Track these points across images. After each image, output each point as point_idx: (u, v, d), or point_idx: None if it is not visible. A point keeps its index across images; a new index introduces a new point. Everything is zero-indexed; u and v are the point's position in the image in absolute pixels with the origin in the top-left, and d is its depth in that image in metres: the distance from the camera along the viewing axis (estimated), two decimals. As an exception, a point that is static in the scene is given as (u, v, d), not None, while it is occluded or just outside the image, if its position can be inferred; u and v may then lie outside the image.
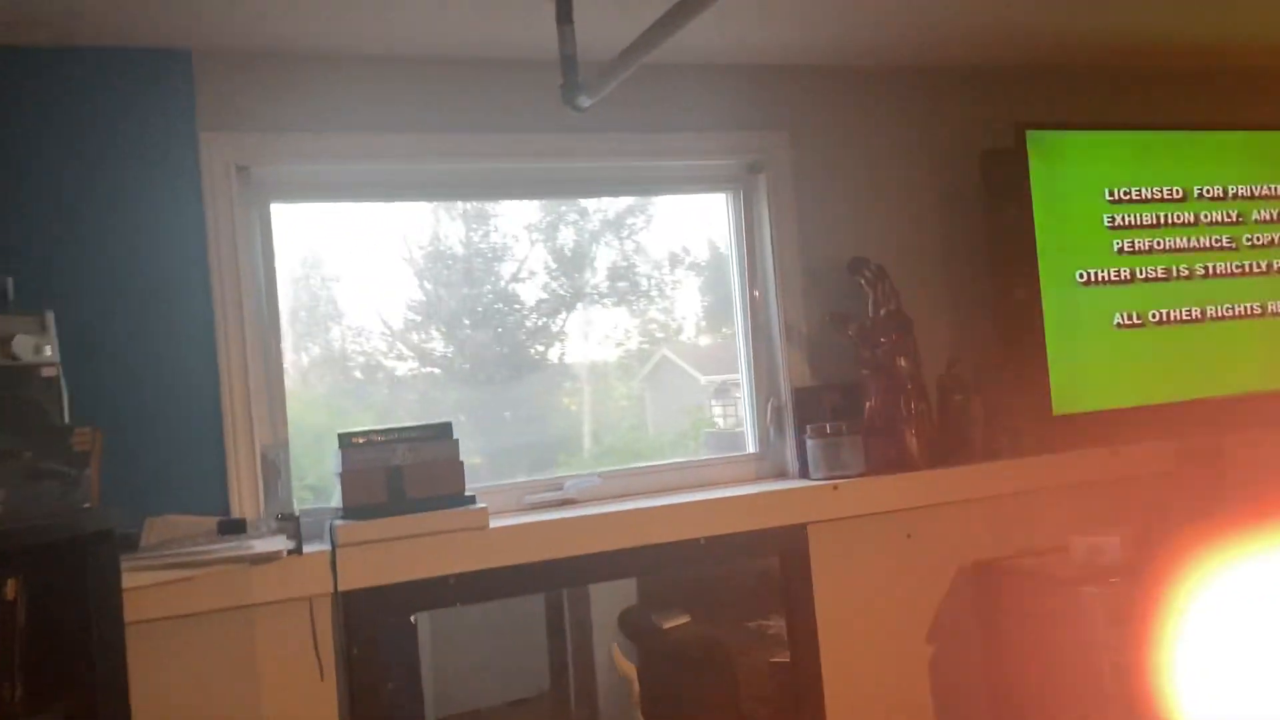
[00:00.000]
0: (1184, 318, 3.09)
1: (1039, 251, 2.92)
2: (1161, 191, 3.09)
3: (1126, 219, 3.04)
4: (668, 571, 2.67)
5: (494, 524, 2.41)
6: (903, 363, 2.78)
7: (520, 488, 2.67)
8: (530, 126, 2.63)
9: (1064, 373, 2.94)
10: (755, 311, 2.93)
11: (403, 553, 2.29)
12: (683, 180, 2.92)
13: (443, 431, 2.40)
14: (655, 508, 2.54)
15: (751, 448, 2.94)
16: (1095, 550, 2.58)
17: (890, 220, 2.98)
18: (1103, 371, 3.00)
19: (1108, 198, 3.03)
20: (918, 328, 2.90)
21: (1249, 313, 3.18)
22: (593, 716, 2.82)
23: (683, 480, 2.82)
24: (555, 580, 2.50)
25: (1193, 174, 3.14)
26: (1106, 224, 3.02)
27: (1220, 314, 3.14)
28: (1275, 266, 3.22)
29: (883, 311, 2.80)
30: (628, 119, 2.72)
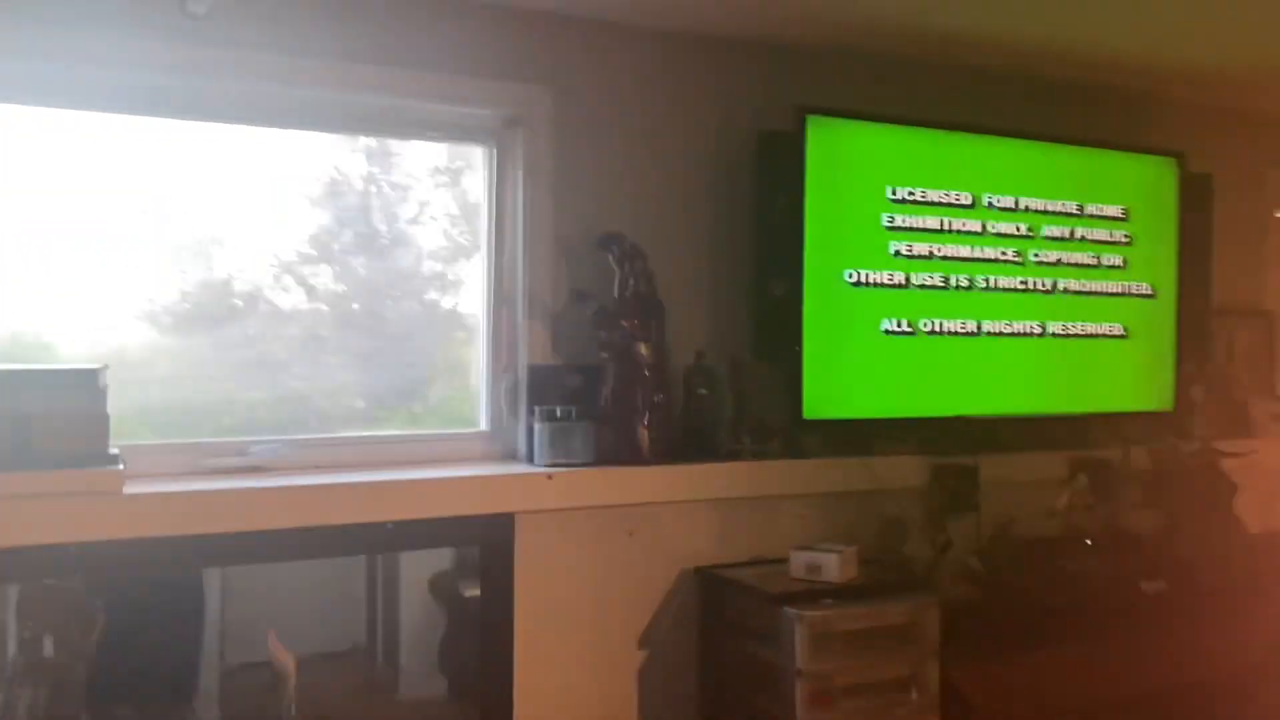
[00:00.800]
0: (958, 330, 2.97)
1: (806, 245, 2.75)
2: (949, 195, 2.95)
3: (907, 221, 2.89)
4: (347, 557, 2.44)
5: (149, 488, 2.15)
6: (643, 350, 2.58)
7: (202, 449, 2.40)
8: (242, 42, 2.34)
9: (821, 375, 2.78)
10: (501, 278, 2.70)
11: (23, 513, 2.01)
12: (431, 126, 2.65)
13: (85, 379, 2.11)
14: (337, 485, 2.30)
15: (484, 425, 2.73)
16: (813, 567, 2.45)
17: (657, 196, 2.77)
18: (864, 378, 2.86)
19: (890, 196, 2.87)
20: (675, 314, 2.71)
21: (1027, 331, 3.07)
22: (393, 673, 2.67)
23: (398, 455, 2.58)
24: (204, 558, 2.25)
25: (984, 181, 3.01)
26: (885, 223, 2.86)
27: (997, 330, 3.03)
28: (1060, 286, 3.12)
29: (629, 293, 2.60)
30: (364, 48, 2.45)
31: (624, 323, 2.58)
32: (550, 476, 2.47)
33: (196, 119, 2.43)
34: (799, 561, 2.46)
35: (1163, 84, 3.41)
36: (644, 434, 2.58)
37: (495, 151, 2.69)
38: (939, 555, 2.61)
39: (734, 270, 2.83)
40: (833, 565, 2.41)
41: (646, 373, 2.59)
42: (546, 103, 2.65)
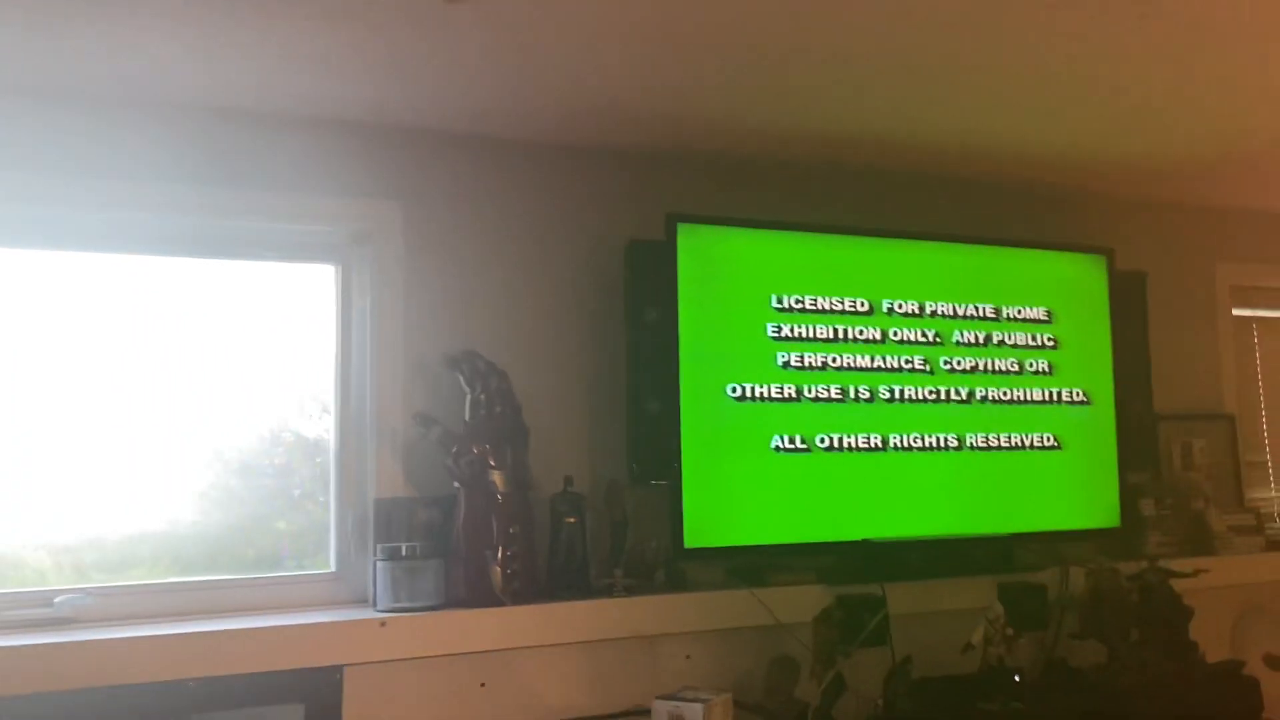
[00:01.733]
0: (861, 445, 2.73)
1: (682, 358, 2.56)
2: (842, 303, 2.76)
3: (796, 330, 2.69)
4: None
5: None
6: (497, 478, 2.37)
7: (3, 601, 2.20)
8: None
9: (705, 499, 2.55)
10: (348, 404, 2.53)
11: None
12: (273, 246, 2.52)
13: None
14: (137, 638, 2.06)
15: (332, 566, 2.51)
16: (675, 718, 2.17)
17: (523, 312, 2.61)
18: (755, 500, 2.62)
19: (775, 304, 2.69)
20: (545, 438, 2.52)
21: (942, 445, 2.83)
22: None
23: (233, 602, 2.36)
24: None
25: (884, 286, 2.82)
26: (770, 334, 2.67)
27: (907, 444, 2.79)
28: (979, 395, 2.89)
29: (481, 416, 2.40)
30: (197, 169, 2.34)
31: (475, 449, 2.38)
32: (383, 623, 2.23)
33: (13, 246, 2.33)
34: (661, 712, 2.19)
35: (1089, 179, 3.23)
36: (497, 571, 2.34)
37: (341, 270, 2.55)
38: (828, 698, 2.31)
39: (608, 389, 2.64)
40: (696, 717, 2.13)
41: (501, 503, 2.37)
42: (396, 218, 2.52)
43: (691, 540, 2.52)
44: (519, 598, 2.35)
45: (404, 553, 2.34)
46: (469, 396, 2.41)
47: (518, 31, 2.07)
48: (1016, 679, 2.54)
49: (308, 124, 2.45)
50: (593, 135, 2.64)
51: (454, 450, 2.37)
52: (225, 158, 2.39)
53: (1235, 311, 3.69)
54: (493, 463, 2.37)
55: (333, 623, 2.22)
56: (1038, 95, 2.56)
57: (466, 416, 2.40)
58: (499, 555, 2.35)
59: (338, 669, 2.19)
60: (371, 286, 2.50)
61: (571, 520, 2.48)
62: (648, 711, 2.33)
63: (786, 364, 2.67)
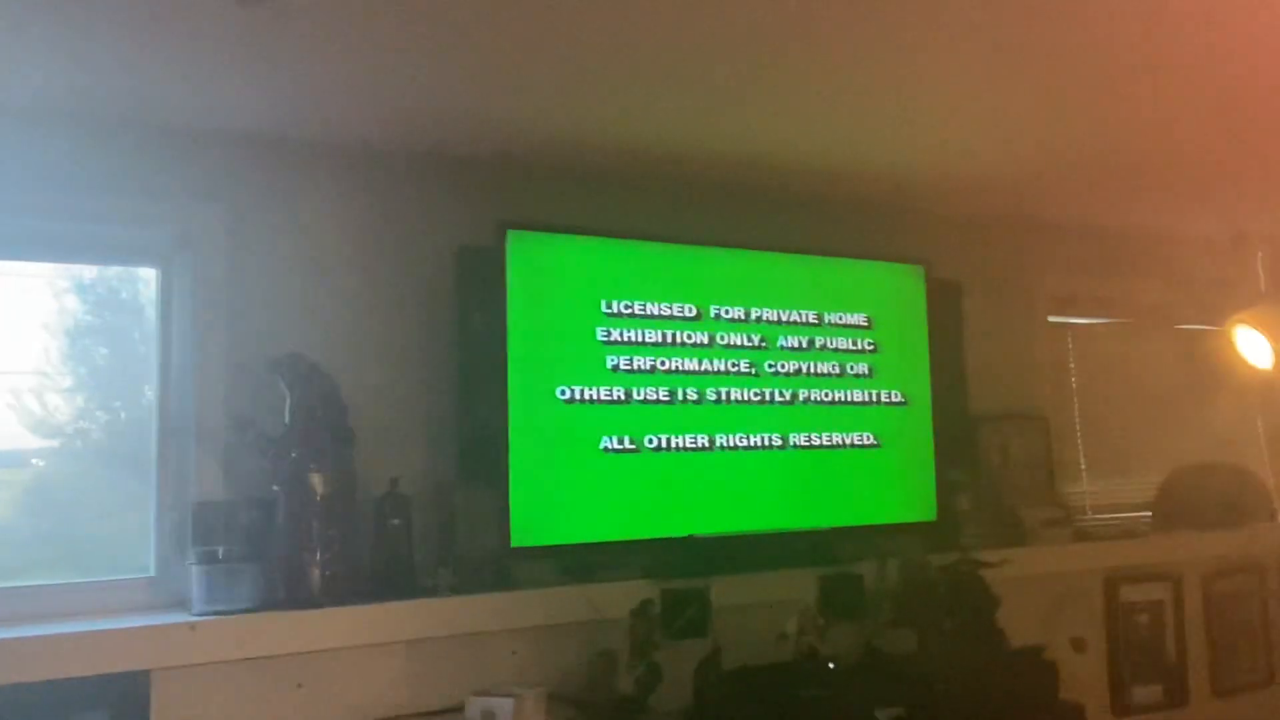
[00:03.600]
0: (688, 445, 2.84)
1: (511, 362, 2.61)
2: (670, 308, 2.86)
3: (625, 334, 2.78)
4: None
5: None
6: (316, 480, 2.38)
7: None
8: None
9: (533, 499, 2.61)
10: (169, 407, 2.50)
11: None
12: (92, 249, 2.48)
13: None
14: (-75, 648, 2.02)
15: (151, 570, 2.47)
16: (488, 714, 2.22)
17: (352, 316, 2.63)
18: (584, 500, 2.69)
19: (604, 309, 2.77)
20: (375, 440, 2.54)
21: (767, 445, 2.96)
22: None
23: (45, 608, 2.31)
24: None
25: (711, 293, 2.93)
26: (600, 338, 2.75)
27: (732, 444, 2.90)
28: (802, 397, 3.03)
29: (301, 418, 2.41)
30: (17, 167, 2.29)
31: (293, 451, 2.38)
32: (194, 627, 2.21)
33: None
34: (474, 711, 2.23)
35: (911, 194, 3.42)
36: (315, 573, 2.35)
37: (163, 274, 2.53)
38: (642, 689, 2.39)
39: (440, 391, 2.67)
40: (506, 712, 2.18)
41: (321, 505, 2.38)
42: (219, 221, 2.51)
43: (519, 539, 2.58)
44: (338, 599, 2.36)
45: (220, 555, 2.32)
46: (288, 400, 2.41)
47: (337, 35, 2.09)
48: (830, 666, 2.67)
49: (127, 126, 2.42)
50: (422, 140, 2.67)
51: (271, 453, 2.37)
52: (42, 160, 2.34)
53: (1051, 319, 3.94)
54: (312, 465, 2.38)
55: (140, 627, 2.19)
56: (856, 112, 2.70)
57: (286, 419, 2.40)
58: (317, 557, 2.36)
59: (145, 674, 2.17)
60: (193, 290, 2.48)
61: (396, 522, 2.50)
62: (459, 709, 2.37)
63: (616, 367, 2.75)
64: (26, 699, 2.06)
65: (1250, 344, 2.67)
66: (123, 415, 2.54)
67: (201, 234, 2.49)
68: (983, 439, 3.56)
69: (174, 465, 2.48)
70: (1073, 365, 4.00)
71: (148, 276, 2.56)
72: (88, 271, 2.51)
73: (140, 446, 2.52)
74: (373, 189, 2.67)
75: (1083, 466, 3.95)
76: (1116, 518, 3.92)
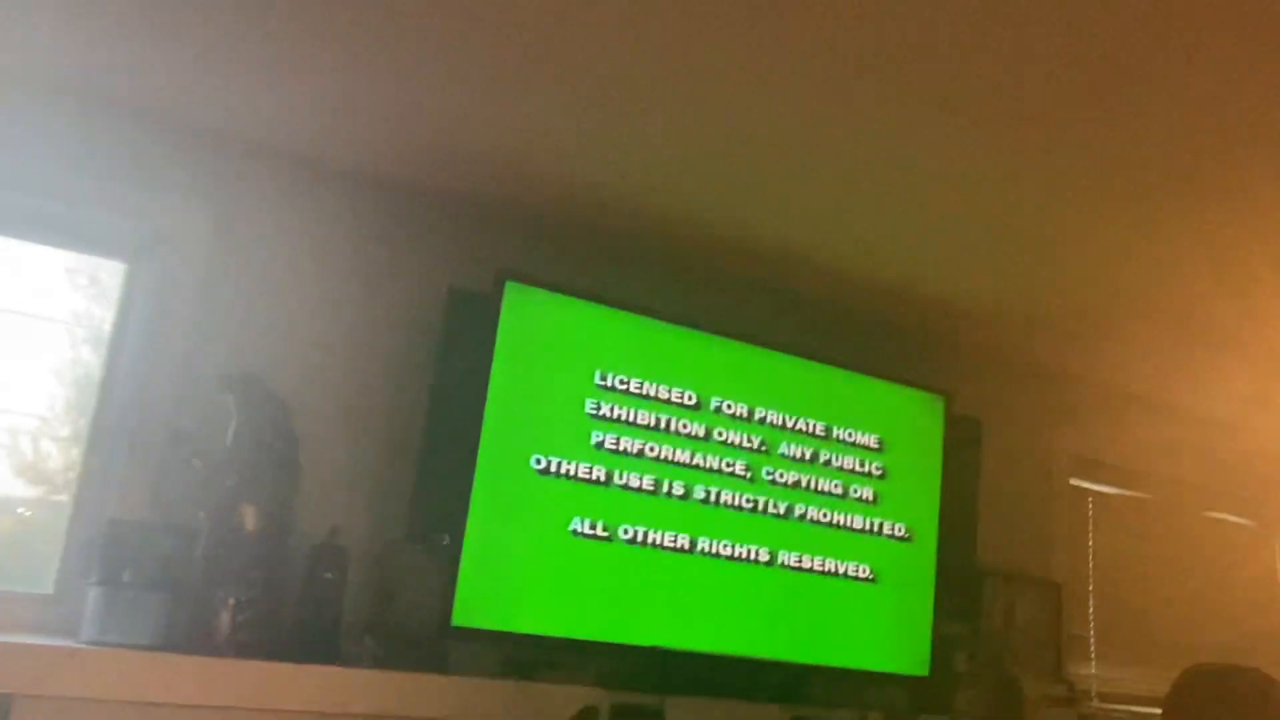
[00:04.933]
0: (666, 543, 2.57)
1: (487, 418, 2.39)
2: (669, 392, 2.64)
3: (616, 411, 2.56)
4: None
5: None
6: (248, 513, 2.13)
7: None
8: None
9: (484, 574, 2.34)
10: (106, 413, 2.28)
11: None
12: (65, 232, 2.31)
13: None
14: None
15: (50, 587, 2.21)
16: (388, 809, 1.90)
17: (322, 346, 2.43)
18: (541, 584, 2.42)
19: (598, 381, 2.56)
20: (325, 481, 2.31)
21: (753, 557, 2.68)
22: None
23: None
24: None
25: (714, 383, 2.72)
26: (589, 410, 2.53)
27: (715, 550, 2.63)
28: (796, 512, 2.77)
29: (244, 444, 2.18)
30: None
31: (229, 478, 2.14)
32: (74, 654, 1.93)
33: None
34: (374, 800, 1.92)
35: (938, 319, 3.24)
36: (226, 617, 2.07)
37: (130, 269, 2.35)
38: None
39: (403, 441, 2.45)
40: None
41: (249, 541, 2.12)
42: (201, 223, 2.35)
43: (461, 618, 2.29)
44: (246, 650, 2.07)
45: (125, 579, 2.06)
46: (234, 420, 2.19)
47: (360, 54, 1.99)
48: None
49: (117, 110, 2.28)
50: (430, 174, 2.52)
51: (204, 475, 2.13)
52: (22, 132, 2.21)
53: (1073, 481, 3.69)
54: (247, 496, 2.14)
55: (7, 644, 1.91)
56: (885, 222, 2.58)
57: (229, 441, 2.18)
58: (232, 599, 2.08)
59: (7, 698, 1.87)
60: (159, 290, 2.30)
61: (329, 575, 2.23)
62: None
63: (600, 444, 2.52)
64: None
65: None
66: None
67: (177, 232, 2.32)
68: (988, 595, 3.27)
69: (98, 475, 2.24)
70: (1091, 534, 3.73)
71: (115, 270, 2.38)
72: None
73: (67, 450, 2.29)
74: (369, 216, 2.51)
75: (1093, 646, 3.62)
76: (1126, 711, 3.57)
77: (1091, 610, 3.64)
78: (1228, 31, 1.73)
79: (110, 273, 2.37)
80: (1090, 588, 3.66)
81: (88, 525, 2.20)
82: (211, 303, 2.33)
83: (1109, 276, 2.80)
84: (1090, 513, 3.73)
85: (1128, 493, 3.84)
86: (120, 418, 2.26)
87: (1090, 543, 3.71)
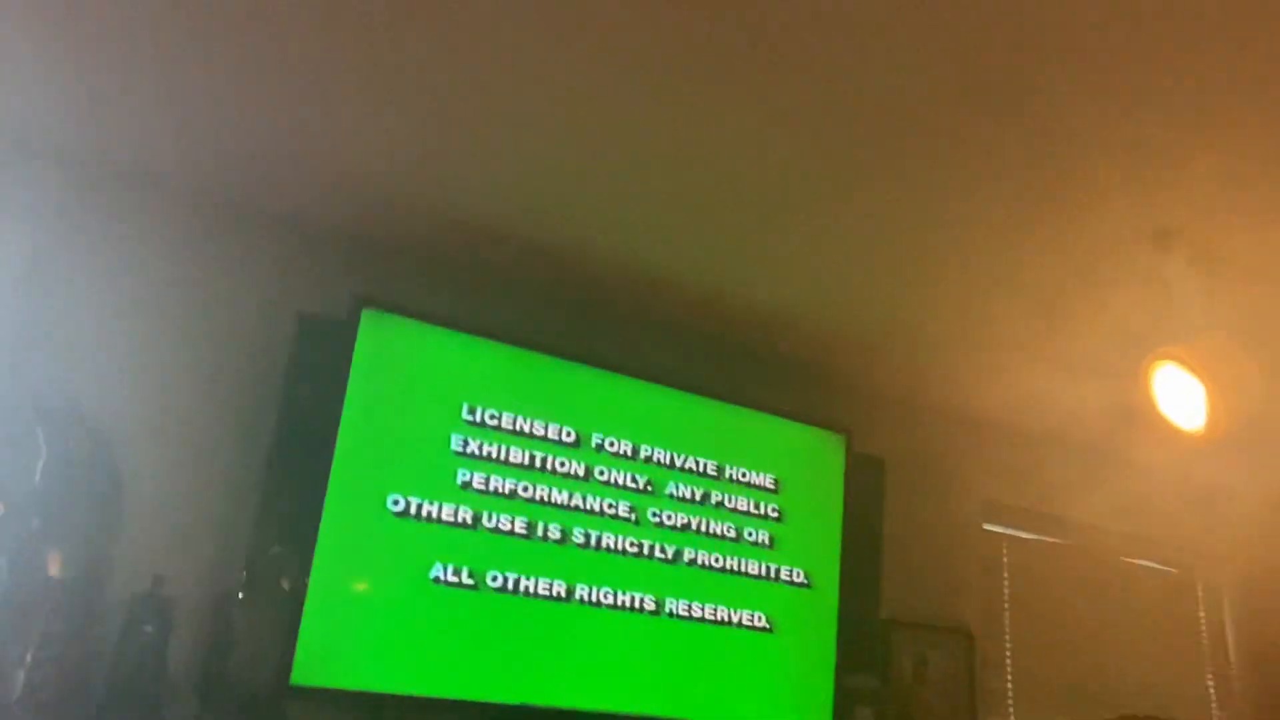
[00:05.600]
0: (541, 591, 2.37)
1: (338, 455, 2.20)
2: (545, 427, 2.47)
3: (486, 449, 2.38)
4: None
5: None
6: (52, 558, 1.91)
7: None
8: None
9: (330, 627, 2.12)
10: (-97, 450, 2.05)
11: None
12: None
13: None
14: None
15: None
16: None
17: (155, 376, 2.23)
18: (397, 638, 2.20)
19: (466, 416, 2.38)
20: (147, 528, 2.09)
21: (637, 605, 2.50)
22: None
23: None
24: None
25: (596, 419, 2.55)
26: (455, 447, 2.35)
27: (595, 598, 2.44)
28: (685, 556, 2.60)
29: (56, 481, 1.96)
30: None
31: (34, 519, 1.92)
32: None
33: None
34: None
35: (838, 356, 3.12)
36: (20, 675, 1.84)
37: (-62, 289, 2.15)
38: None
39: (244, 481, 2.24)
40: None
41: (52, 590, 1.90)
42: (17, 241, 2.15)
43: (301, 675, 2.07)
44: (45, 712, 1.83)
45: (-95, 637, 1.82)
46: (43, 457, 1.97)
47: (203, 67, 1.85)
48: None
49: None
50: (273, 197, 2.35)
51: (4, 516, 1.90)
52: None
53: (986, 526, 3.57)
54: (52, 540, 1.92)
55: None
56: (784, 253, 2.48)
57: (36, 478, 1.96)
58: (28, 656, 1.85)
59: None
60: (-30, 313, 2.10)
61: (149, 629, 2.00)
62: None
63: (467, 484, 2.34)
64: None
65: (1175, 386, 2.30)
66: None
67: (-3, 253, 2.13)
68: (896, 645, 3.11)
69: (-111, 520, 2.00)
70: (1006, 582, 3.59)
71: None
72: None
73: None
74: (212, 238, 2.33)
75: (1010, 699, 3.46)
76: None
77: (1009, 661, 3.49)
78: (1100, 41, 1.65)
79: (-82, 297, 2.15)
80: (1006, 638, 3.51)
81: (-128, 577, 1.95)
82: (33, 325, 2.12)
83: (992, 305, 2.70)
84: (1005, 558, 3.61)
85: (1043, 538, 3.72)
86: (-83, 455, 2.03)
87: (1005, 590, 3.57)
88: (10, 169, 2.15)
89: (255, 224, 2.37)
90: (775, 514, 2.76)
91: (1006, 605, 3.56)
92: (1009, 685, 3.47)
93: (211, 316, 2.28)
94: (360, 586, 2.17)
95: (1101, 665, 3.64)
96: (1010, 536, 3.64)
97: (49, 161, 2.19)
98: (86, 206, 2.21)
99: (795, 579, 2.75)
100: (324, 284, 2.34)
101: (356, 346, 2.26)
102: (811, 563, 2.79)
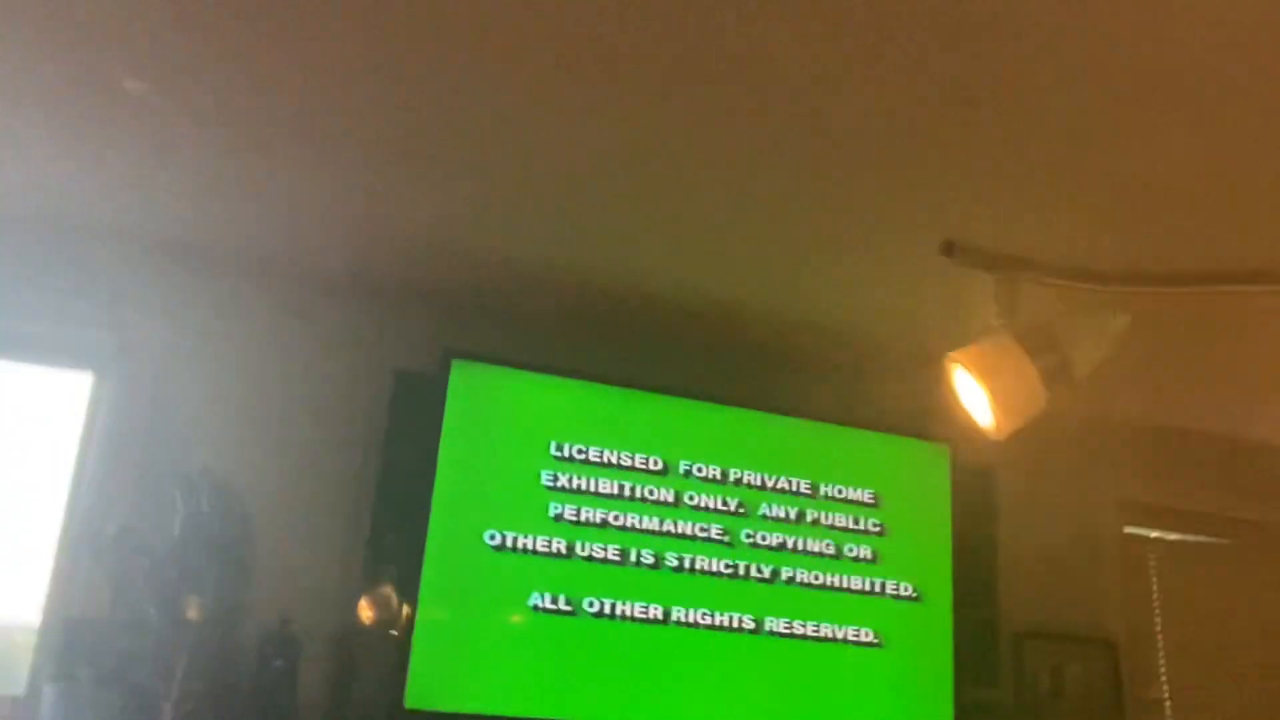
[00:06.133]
0: (637, 615, 2.48)
1: (437, 498, 2.39)
2: (632, 458, 2.59)
3: (575, 481, 2.52)
4: None
5: None
6: (192, 603, 2.17)
7: None
8: None
9: (439, 655, 2.30)
10: (75, 516, 2.38)
11: None
12: (27, 346, 2.47)
13: None
14: None
15: (22, 688, 2.27)
16: None
17: (271, 436, 2.48)
18: (502, 664, 2.36)
19: (554, 452, 2.53)
20: (274, 573, 2.33)
21: (735, 626, 2.56)
22: None
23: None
24: None
25: (681, 447, 2.64)
26: (546, 482, 2.50)
27: (692, 620, 2.52)
28: (783, 575, 2.64)
29: (192, 537, 2.23)
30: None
31: (175, 570, 2.19)
32: (15, 749, 1.98)
33: None
34: None
35: (933, 368, 3.07)
36: (167, 709, 2.09)
37: (96, 378, 2.47)
38: None
39: (356, 526, 2.46)
40: None
41: (193, 633, 2.16)
42: (155, 330, 2.46)
43: (416, 700, 2.25)
44: (195, 743, 2.09)
45: (79, 676, 2.11)
46: (180, 515, 2.25)
47: (293, 154, 2.07)
48: None
49: (75, 230, 2.43)
50: (371, 261, 2.58)
51: (146, 568, 2.18)
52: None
53: (1127, 529, 3.40)
54: (192, 588, 2.18)
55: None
56: (860, 267, 2.48)
57: (176, 533, 2.24)
58: (176, 692, 2.11)
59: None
60: (122, 397, 2.42)
61: (279, 664, 2.24)
62: None
63: (559, 516, 2.48)
64: None
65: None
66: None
67: (139, 341, 2.45)
68: (1028, 658, 3.01)
69: (65, 578, 2.33)
70: (1156, 586, 3.40)
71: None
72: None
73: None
74: (315, 306, 2.59)
75: (1169, 711, 3.27)
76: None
77: (1163, 670, 3.30)
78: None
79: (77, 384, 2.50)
80: (1160, 646, 3.33)
81: (55, 626, 2.27)
82: (170, 403, 2.43)
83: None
84: (1151, 562, 3.42)
85: (1198, 538, 3.51)
86: (84, 521, 2.35)
87: (1155, 596, 3.39)
88: (155, 260, 2.47)
89: (350, 292, 2.61)
90: (877, 529, 2.76)
91: (1157, 611, 3.38)
92: (1165, 696, 3.28)
93: (318, 380, 2.54)
94: (464, 617, 2.34)
95: (1273, 671, 3.38)
96: (1156, 539, 3.45)
97: (186, 249, 2.49)
98: (209, 295, 2.51)
99: (903, 593, 2.73)
100: (415, 340, 2.55)
101: (448, 395, 2.46)
102: (920, 576, 2.76)
